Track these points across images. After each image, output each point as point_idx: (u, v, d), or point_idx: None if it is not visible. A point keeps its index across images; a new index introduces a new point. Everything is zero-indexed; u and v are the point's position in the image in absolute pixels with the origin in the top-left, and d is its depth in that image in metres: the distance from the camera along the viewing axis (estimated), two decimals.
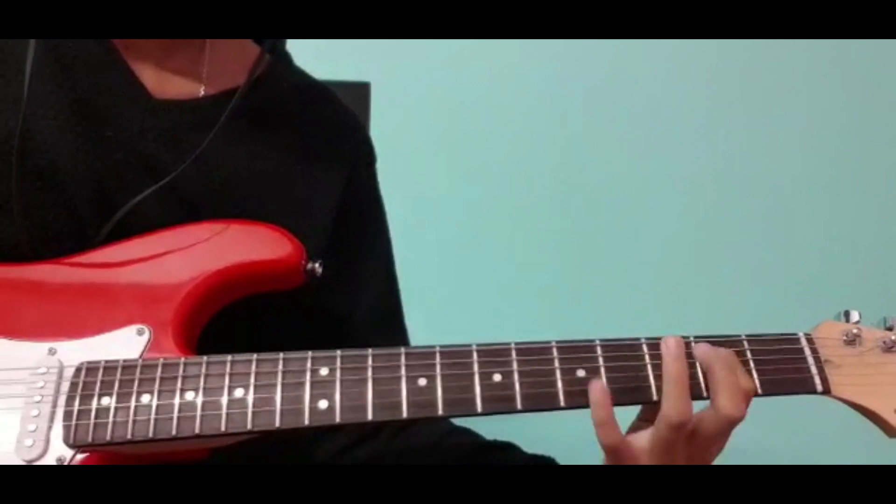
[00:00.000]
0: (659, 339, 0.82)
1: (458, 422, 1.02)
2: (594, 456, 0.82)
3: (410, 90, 1.86)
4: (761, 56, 1.91)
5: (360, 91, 1.61)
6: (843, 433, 0.87)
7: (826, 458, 1.25)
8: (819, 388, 0.81)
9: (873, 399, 0.81)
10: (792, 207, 1.93)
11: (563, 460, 0.98)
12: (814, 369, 0.82)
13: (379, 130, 1.24)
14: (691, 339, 0.82)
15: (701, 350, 0.80)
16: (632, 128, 1.92)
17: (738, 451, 0.84)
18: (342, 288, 1.02)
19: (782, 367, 0.82)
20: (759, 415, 0.82)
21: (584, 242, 1.91)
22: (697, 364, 0.81)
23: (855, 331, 0.83)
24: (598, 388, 0.78)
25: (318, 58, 1.10)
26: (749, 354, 0.82)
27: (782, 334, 0.84)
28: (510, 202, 1.92)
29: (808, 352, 0.83)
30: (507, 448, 1.01)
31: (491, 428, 0.96)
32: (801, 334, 0.84)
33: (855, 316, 0.85)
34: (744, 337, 0.83)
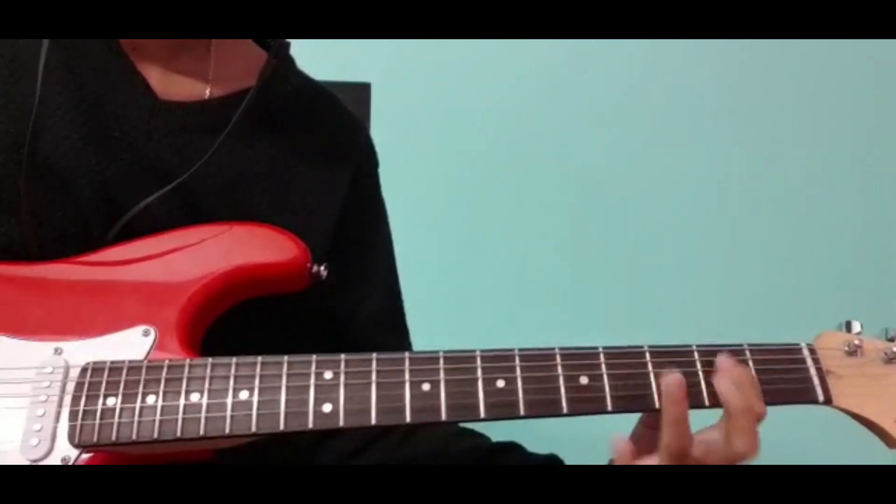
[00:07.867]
0: (661, 347, 0.82)
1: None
2: (601, 455, 0.83)
3: (410, 90, 1.86)
4: (769, 61, 1.91)
5: (361, 91, 1.61)
6: (842, 432, 0.87)
7: (825, 457, 1.25)
8: (821, 398, 0.82)
9: (874, 410, 0.81)
10: (794, 217, 1.93)
11: (569, 460, 0.98)
12: (815, 379, 0.82)
13: (379, 131, 1.24)
14: (693, 347, 0.82)
15: (723, 386, 0.78)
16: (635, 132, 1.92)
17: None
18: (345, 290, 1.02)
19: (784, 376, 0.82)
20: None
21: (589, 248, 1.91)
22: (701, 373, 0.81)
23: (856, 342, 0.84)
24: (675, 381, 0.77)
25: (319, 58, 1.10)
26: (751, 364, 0.82)
27: (784, 344, 0.84)
28: (512, 203, 1.91)
29: (809, 362, 0.83)
30: (513, 449, 1.01)
31: (497, 427, 0.96)
32: (803, 344, 0.84)
33: (856, 326, 0.85)
34: (746, 346, 0.83)
